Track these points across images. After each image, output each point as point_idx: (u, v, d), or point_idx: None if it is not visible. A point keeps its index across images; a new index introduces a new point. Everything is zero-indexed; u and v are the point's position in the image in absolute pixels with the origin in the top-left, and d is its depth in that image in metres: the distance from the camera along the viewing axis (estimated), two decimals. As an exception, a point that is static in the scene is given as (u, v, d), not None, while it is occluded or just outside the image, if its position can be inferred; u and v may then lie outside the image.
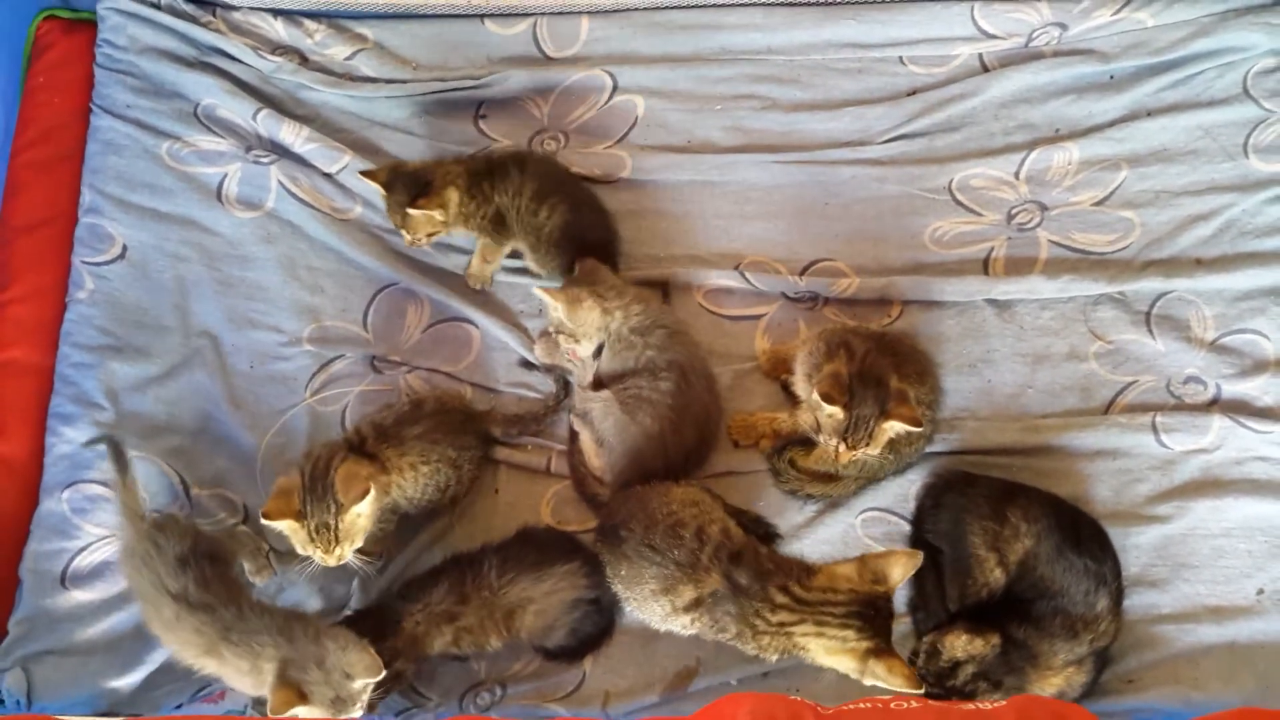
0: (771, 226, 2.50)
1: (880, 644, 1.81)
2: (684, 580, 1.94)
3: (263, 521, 1.94)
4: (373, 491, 1.94)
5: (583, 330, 2.21)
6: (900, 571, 1.85)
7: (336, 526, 1.92)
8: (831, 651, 1.84)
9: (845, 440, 2.04)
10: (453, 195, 2.30)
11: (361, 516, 1.95)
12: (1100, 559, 2.04)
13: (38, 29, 2.62)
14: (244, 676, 1.91)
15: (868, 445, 2.04)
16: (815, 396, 2.01)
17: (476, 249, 2.43)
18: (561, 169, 2.48)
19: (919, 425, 2.02)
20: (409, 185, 2.29)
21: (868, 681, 1.80)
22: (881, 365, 2.05)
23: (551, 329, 2.27)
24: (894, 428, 2.02)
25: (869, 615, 1.82)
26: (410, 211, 2.27)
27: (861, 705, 1.25)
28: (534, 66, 2.64)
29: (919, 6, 2.63)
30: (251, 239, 2.48)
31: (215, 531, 2.20)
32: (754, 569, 1.91)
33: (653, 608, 1.99)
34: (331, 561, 1.96)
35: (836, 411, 2.00)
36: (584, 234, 2.37)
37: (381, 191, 2.32)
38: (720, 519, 2.02)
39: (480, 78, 2.60)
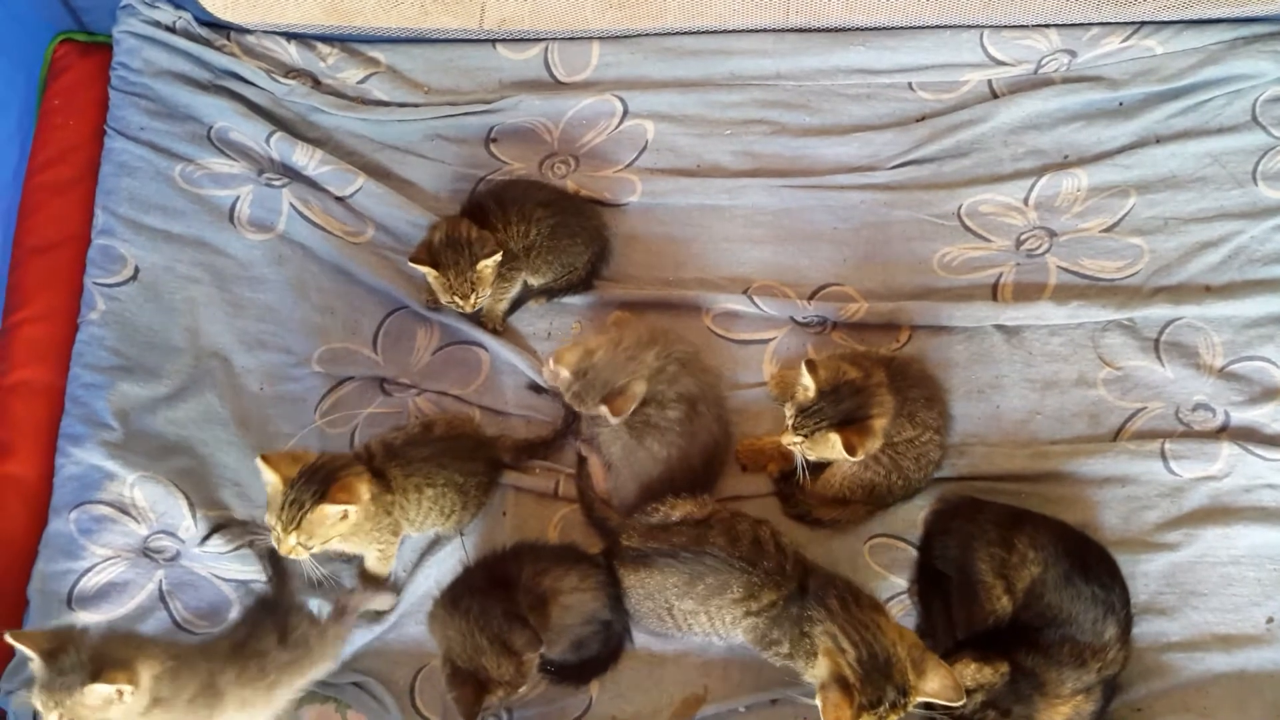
0: (780, 251, 2.51)
1: (855, 686, 1.80)
2: (769, 586, 1.98)
3: (257, 461, 1.93)
4: (355, 510, 1.94)
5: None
6: (936, 684, 1.82)
7: (306, 512, 1.90)
8: (825, 653, 1.85)
9: (796, 418, 2.04)
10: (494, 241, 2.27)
11: (329, 522, 1.93)
12: (1108, 586, 2.03)
13: (54, 52, 2.64)
14: None
15: (806, 441, 2.04)
16: (804, 364, 2.01)
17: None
18: (534, 185, 2.50)
19: (854, 456, 2.00)
20: (457, 250, 2.24)
21: (817, 700, 1.81)
22: (878, 399, 2.04)
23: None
24: (835, 444, 1.99)
25: (878, 665, 1.81)
26: (480, 265, 2.22)
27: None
28: (545, 91, 2.66)
29: (928, 33, 2.65)
30: (263, 261, 2.49)
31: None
32: (824, 578, 1.98)
33: (730, 612, 2.01)
34: (284, 548, 1.94)
35: (810, 387, 2.02)
36: (573, 236, 2.41)
37: (434, 273, 2.25)
38: (785, 539, 2.08)
39: (492, 102, 2.63)
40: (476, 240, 2.25)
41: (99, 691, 1.71)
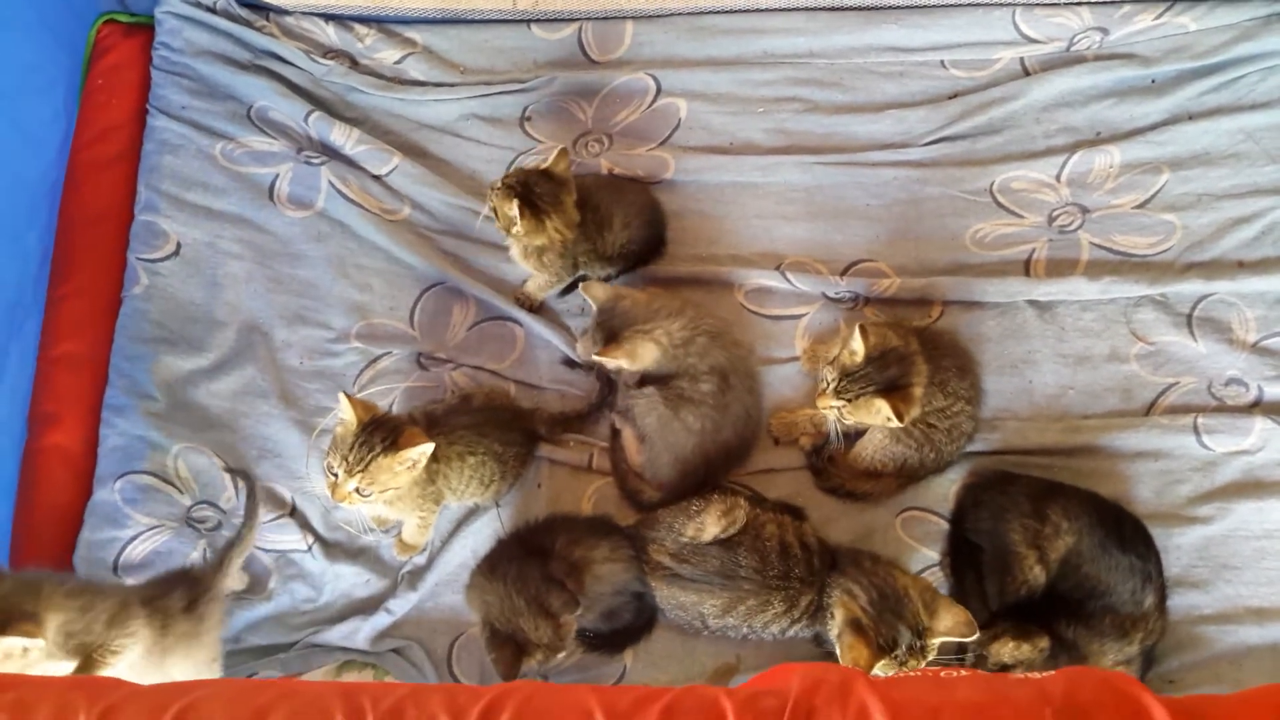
0: (813, 227, 2.51)
1: (868, 628, 1.87)
2: (805, 589, 2.03)
3: (340, 396, 1.97)
4: (424, 460, 1.97)
5: (643, 364, 2.23)
6: (948, 622, 1.88)
7: (376, 455, 1.93)
8: (839, 603, 1.93)
9: (840, 382, 2.05)
10: (558, 232, 2.26)
11: (396, 469, 1.95)
12: (1144, 556, 2.04)
13: (98, 32, 2.67)
14: None
15: (847, 406, 2.05)
16: (857, 329, 2.03)
17: (540, 275, 2.42)
18: (610, 181, 2.53)
19: (901, 422, 2.02)
20: (539, 186, 2.24)
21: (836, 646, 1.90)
22: (917, 368, 2.06)
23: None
24: (880, 410, 2.01)
25: (889, 605, 1.89)
26: (517, 206, 2.19)
27: (911, 674, 1.27)
28: (579, 70, 2.68)
29: (960, 11, 2.65)
30: (302, 238, 2.52)
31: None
32: (847, 553, 2.06)
33: (778, 624, 2.06)
34: (338, 493, 1.96)
35: (859, 351, 2.03)
36: (644, 236, 2.45)
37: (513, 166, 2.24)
38: (808, 528, 2.15)
39: (526, 81, 2.65)
40: (564, 203, 2.27)
41: (5, 644, 1.64)
